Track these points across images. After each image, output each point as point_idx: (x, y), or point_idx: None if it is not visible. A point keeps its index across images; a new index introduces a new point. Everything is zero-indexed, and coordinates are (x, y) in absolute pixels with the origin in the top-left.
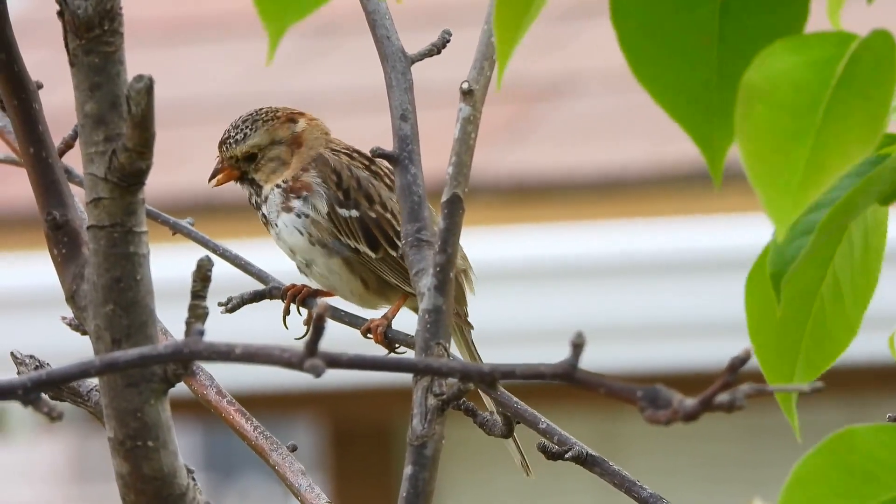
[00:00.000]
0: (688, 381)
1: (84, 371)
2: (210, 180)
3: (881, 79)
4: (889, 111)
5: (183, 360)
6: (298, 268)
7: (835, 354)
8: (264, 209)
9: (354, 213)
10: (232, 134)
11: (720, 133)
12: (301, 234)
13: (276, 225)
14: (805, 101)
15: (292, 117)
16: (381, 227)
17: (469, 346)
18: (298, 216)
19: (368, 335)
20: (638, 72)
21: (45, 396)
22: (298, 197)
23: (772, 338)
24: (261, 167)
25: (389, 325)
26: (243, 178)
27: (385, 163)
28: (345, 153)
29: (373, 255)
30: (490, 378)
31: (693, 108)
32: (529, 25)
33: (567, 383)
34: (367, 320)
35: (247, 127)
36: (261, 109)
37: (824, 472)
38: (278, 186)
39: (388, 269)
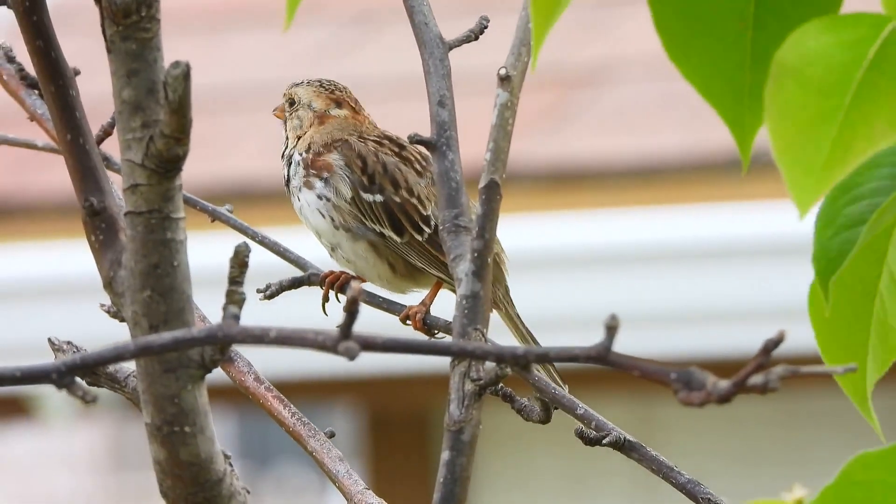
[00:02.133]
0: (724, 367)
1: (118, 355)
2: (274, 110)
3: None
4: None
5: (217, 344)
6: (328, 252)
7: None
8: (288, 171)
9: (379, 197)
10: (301, 78)
11: (751, 115)
12: (323, 216)
13: (298, 198)
14: (836, 80)
15: (340, 102)
16: (406, 211)
17: (514, 320)
18: (320, 198)
19: (407, 322)
20: (671, 52)
21: (79, 381)
22: (320, 178)
23: (837, 340)
24: (291, 117)
25: (428, 312)
26: (285, 122)
27: (417, 149)
28: (373, 140)
29: (398, 239)
30: (524, 360)
31: (725, 89)
32: (564, 9)
33: (601, 365)
34: (404, 306)
35: (311, 80)
36: (334, 81)
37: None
38: (300, 154)
39: (414, 253)
